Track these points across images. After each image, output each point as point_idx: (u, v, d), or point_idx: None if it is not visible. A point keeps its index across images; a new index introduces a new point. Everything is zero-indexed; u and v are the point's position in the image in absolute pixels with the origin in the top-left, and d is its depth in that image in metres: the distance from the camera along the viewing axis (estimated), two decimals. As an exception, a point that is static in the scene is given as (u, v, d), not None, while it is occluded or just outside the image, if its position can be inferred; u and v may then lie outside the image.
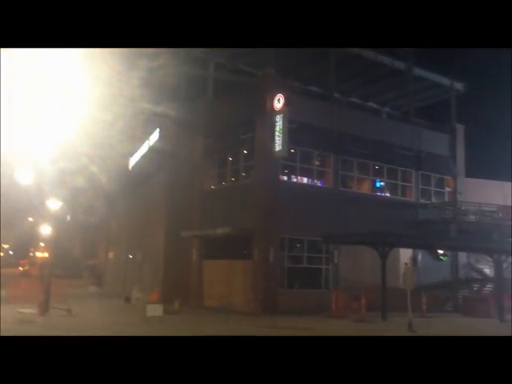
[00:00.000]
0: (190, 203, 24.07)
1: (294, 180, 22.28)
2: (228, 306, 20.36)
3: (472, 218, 24.95)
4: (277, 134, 20.36)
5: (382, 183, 24.84)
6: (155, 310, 14.99)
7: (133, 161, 29.85)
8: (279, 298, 19.80)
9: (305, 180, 22.78)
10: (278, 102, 20.64)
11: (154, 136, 26.23)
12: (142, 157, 28.30)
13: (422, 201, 25.20)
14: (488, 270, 24.44)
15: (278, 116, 20.49)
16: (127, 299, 22.45)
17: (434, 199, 25.86)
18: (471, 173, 28.16)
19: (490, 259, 21.87)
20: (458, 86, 27.04)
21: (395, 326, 15.49)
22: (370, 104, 28.48)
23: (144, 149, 27.80)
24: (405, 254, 22.91)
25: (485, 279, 24.82)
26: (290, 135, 20.34)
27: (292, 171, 22.20)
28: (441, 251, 24.76)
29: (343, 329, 15.78)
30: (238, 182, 22.93)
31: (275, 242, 20.42)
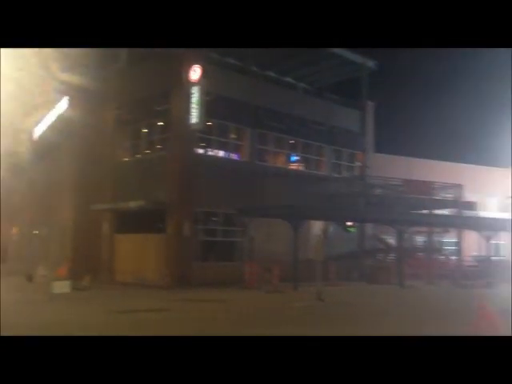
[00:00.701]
0: (101, 175, 23.16)
1: (210, 153, 22.14)
2: (141, 281, 20.06)
3: (379, 191, 26.33)
4: (193, 106, 20.02)
5: (296, 157, 25.40)
6: (62, 286, 14.37)
7: (39, 130, 28.05)
8: (193, 271, 19.83)
9: (221, 153, 22.71)
10: (195, 73, 20.23)
11: (63, 104, 24.75)
12: (49, 126, 26.66)
13: (334, 174, 26.15)
14: (391, 240, 25.99)
15: (195, 88, 20.12)
16: (29, 278, 20.95)
17: (344, 173, 26.94)
18: (379, 148, 29.62)
19: (393, 230, 23.25)
20: (370, 63, 27.97)
21: (305, 295, 16.10)
22: (287, 79, 28.74)
23: (52, 118, 26.19)
24: (316, 226, 23.74)
25: (388, 249, 26.44)
26: (207, 108, 20.10)
27: (208, 144, 22.01)
28: (349, 223, 25.95)
29: (255, 299, 16.17)
30: (153, 155, 22.38)
31: (190, 215, 20.30)
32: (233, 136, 23.05)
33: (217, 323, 11.13)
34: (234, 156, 23.11)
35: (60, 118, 25.04)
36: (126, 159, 23.54)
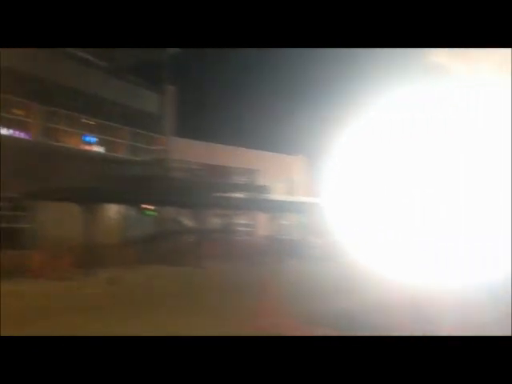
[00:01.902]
0: None
1: (-10, 130, 19.68)
2: None
3: (179, 174, 26.69)
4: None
5: (92, 138, 24.15)
6: None
7: None
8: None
9: (4, 131, 20.36)
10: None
11: None
12: None
13: (133, 157, 25.60)
14: (191, 223, 26.64)
15: (-32, 54, 17.58)
16: None
17: (144, 156, 26.58)
18: (181, 133, 29.94)
19: (192, 213, 23.88)
20: (172, 49, 27.89)
21: (96, 281, 15.50)
22: (82, 54, 27.02)
23: None
24: (113, 210, 23.03)
25: (187, 231, 27.02)
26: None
27: (-13, 120, 19.53)
28: (149, 206, 25.80)
29: (43, 289, 15.02)
30: None
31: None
32: (19, 112, 20.83)
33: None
34: (20, 134, 20.94)
35: None
36: None
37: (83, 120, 23.33)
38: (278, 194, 32.90)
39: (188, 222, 26.80)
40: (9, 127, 20.45)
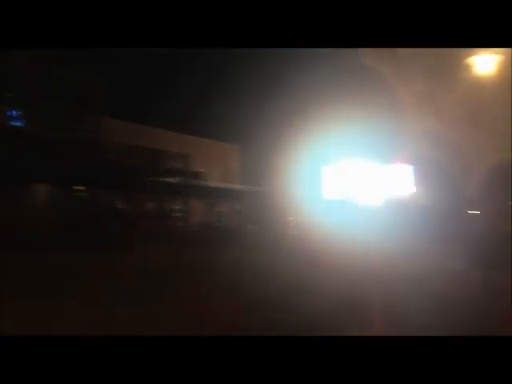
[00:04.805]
0: None
1: None
2: None
3: (113, 156, 25.47)
4: None
5: (15, 113, 22.45)
6: None
7: None
8: None
9: None
10: None
11: None
12: None
13: (62, 136, 24.13)
14: (123, 206, 25.63)
15: None
16: None
17: (75, 135, 25.14)
18: (114, 113, 28.57)
19: (126, 195, 22.91)
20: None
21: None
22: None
23: None
24: (42, 190, 21.66)
25: (120, 215, 25.99)
26: None
27: None
28: (80, 187, 24.56)
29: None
30: None
31: None
32: None
33: None
34: None
35: None
36: None
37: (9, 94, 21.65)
38: (213, 181, 32.52)
39: (121, 205, 25.77)
40: None
